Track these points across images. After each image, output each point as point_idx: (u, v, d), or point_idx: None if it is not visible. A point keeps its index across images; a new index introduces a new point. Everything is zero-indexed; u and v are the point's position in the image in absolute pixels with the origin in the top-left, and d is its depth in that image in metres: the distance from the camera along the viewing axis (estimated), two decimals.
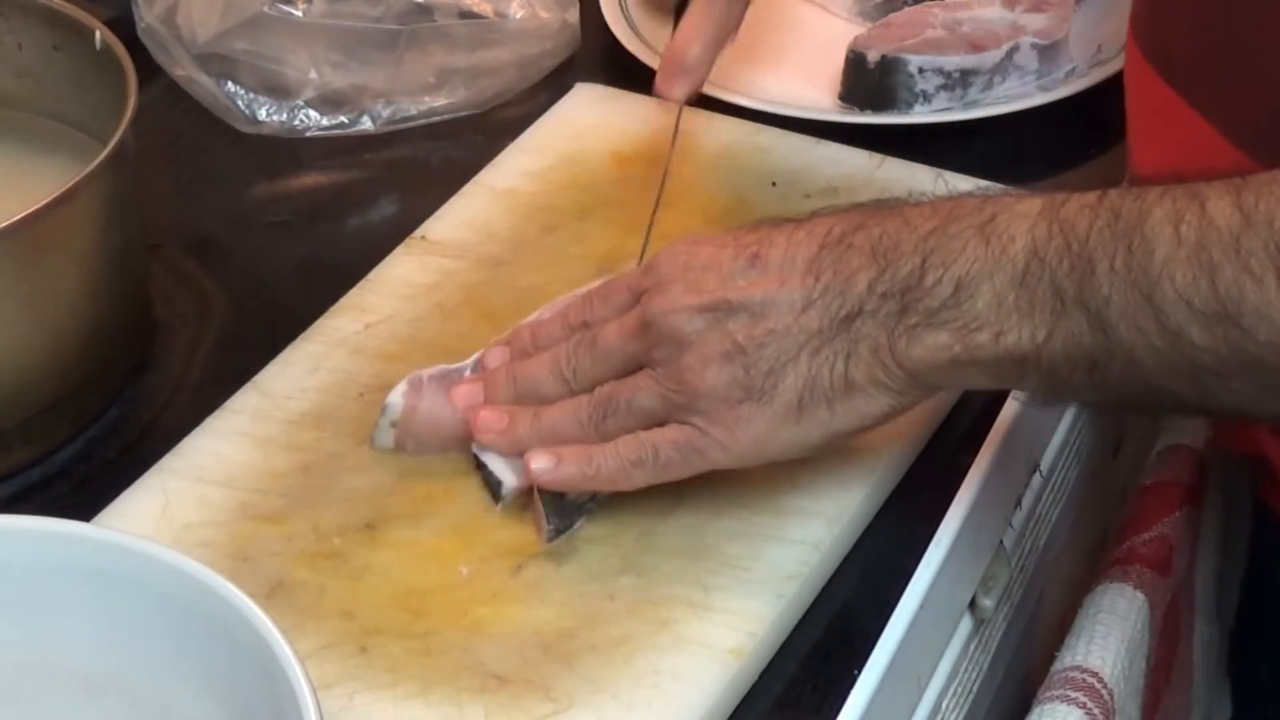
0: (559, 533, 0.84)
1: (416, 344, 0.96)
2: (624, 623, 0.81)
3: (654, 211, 0.99)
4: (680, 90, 1.02)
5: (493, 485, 0.86)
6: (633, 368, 0.84)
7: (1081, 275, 0.74)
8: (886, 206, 0.82)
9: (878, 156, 1.08)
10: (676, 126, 1.03)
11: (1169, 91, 0.91)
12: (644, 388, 0.83)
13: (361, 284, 0.99)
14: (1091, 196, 0.76)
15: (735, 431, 0.81)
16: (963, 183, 1.04)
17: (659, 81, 1.03)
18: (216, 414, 0.92)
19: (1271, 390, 0.72)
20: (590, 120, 1.12)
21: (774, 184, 1.06)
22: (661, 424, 0.83)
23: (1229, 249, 0.71)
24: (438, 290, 0.99)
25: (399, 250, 1.02)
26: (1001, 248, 0.76)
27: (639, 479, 0.83)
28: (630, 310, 0.85)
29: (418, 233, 1.03)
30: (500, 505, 0.86)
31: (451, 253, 1.02)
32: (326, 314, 0.97)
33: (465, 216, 1.04)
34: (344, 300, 0.98)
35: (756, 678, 0.81)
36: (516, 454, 0.85)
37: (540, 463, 0.84)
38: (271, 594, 0.81)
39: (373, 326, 0.97)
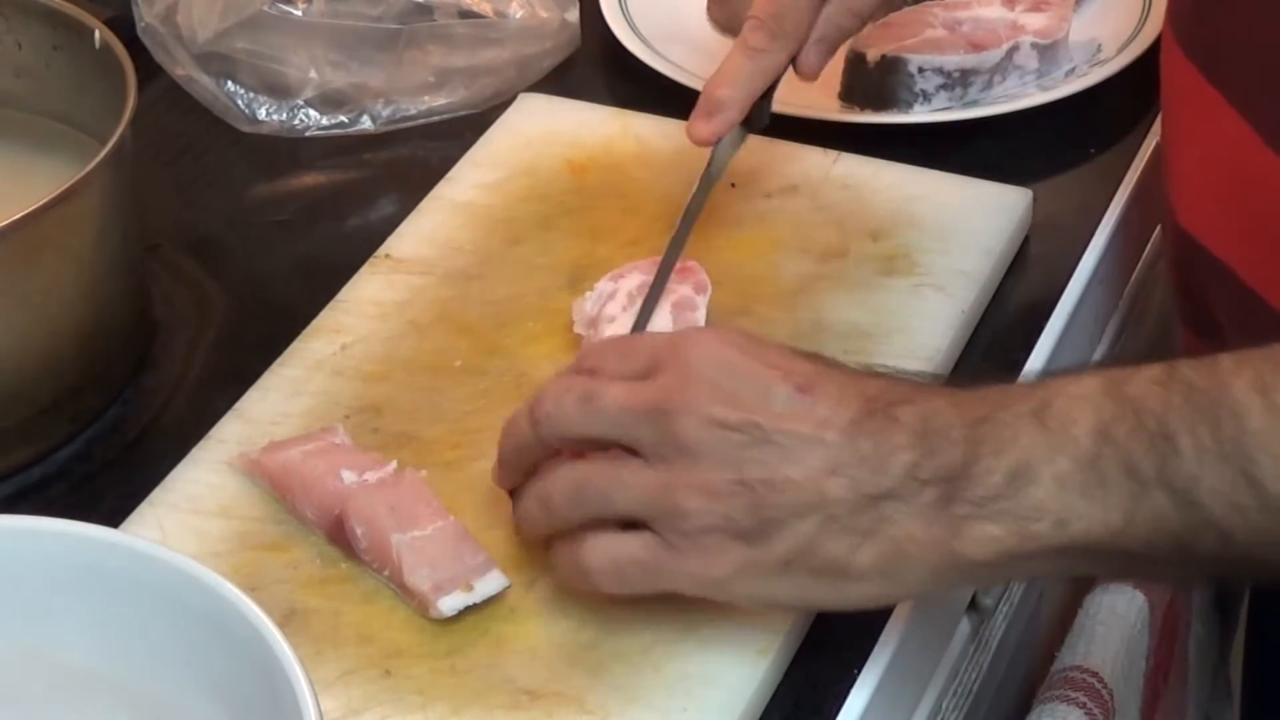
0: None
1: (395, 362, 0.95)
2: (647, 630, 0.81)
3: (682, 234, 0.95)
4: (705, 132, 0.96)
5: None
6: (618, 444, 0.77)
7: (1162, 453, 0.70)
8: (931, 384, 0.79)
9: (832, 153, 1.08)
10: (708, 164, 0.99)
11: (1212, 91, 0.89)
12: (629, 485, 0.76)
13: (331, 305, 0.99)
14: (1158, 370, 0.72)
15: (708, 562, 0.75)
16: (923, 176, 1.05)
17: (690, 122, 0.97)
18: (202, 444, 0.91)
19: None
20: (539, 130, 1.11)
21: (733, 185, 1.06)
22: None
23: None
24: (409, 307, 0.99)
25: (365, 269, 1.02)
26: (1063, 432, 0.71)
27: (593, 585, 0.78)
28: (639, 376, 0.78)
29: (381, 251, 1.03)
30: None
31: (418, 269, 1.01)
32: (300, 337, 0.97)
33: (426, 232, 1.04)
34: (316, 322, 0.98)
35: (782, 676, 0.81)
36: None
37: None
38: (285, 622, 0.80)
39: (349, 347, 0.96)
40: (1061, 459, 0.71)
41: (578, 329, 0.96)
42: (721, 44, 1.24)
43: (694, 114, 0.97)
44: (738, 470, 0.74)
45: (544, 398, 0.79)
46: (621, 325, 0.93)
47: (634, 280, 0.96)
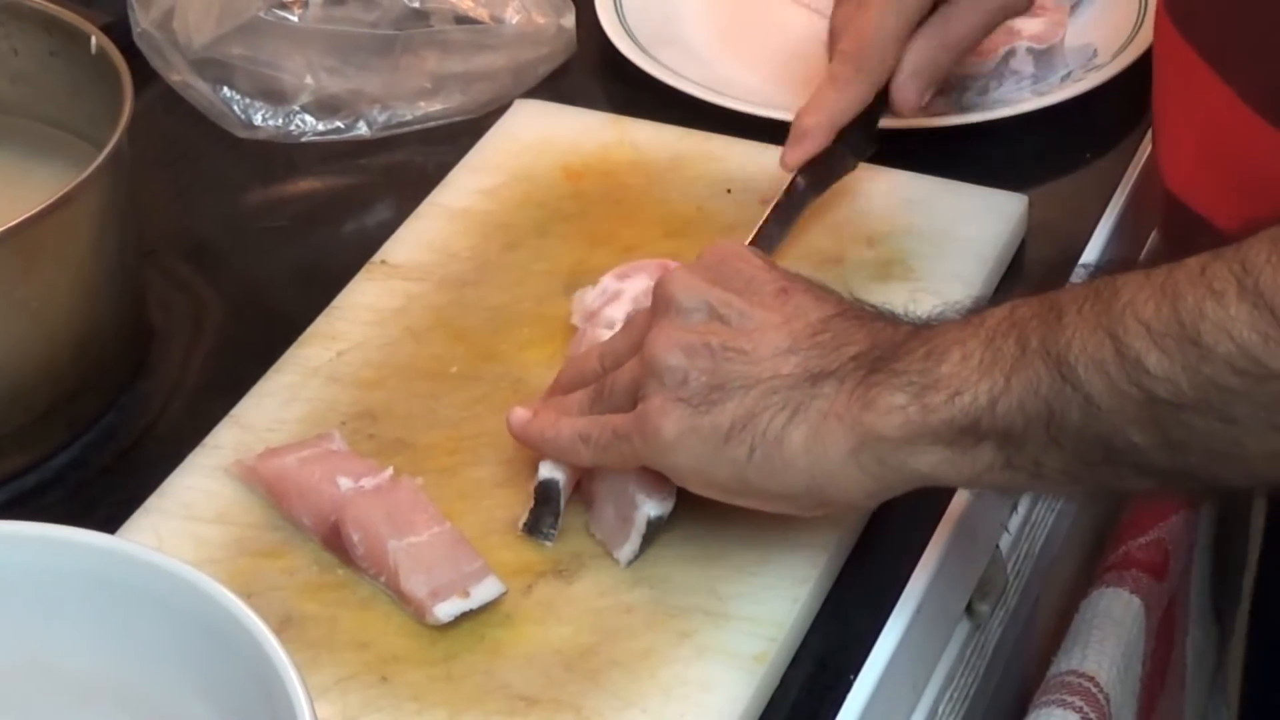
0: (638, 556, 0.85)
1: (391, 369, 0.95)
2: (643, 636, 0.81)
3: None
4: (791, 157, 1.01)
5: (544, 523, 0.86)
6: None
7: (1047, 325, 0.74)
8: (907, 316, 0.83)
9: None
10: (788, 185, 1.02)
11: (1193, 55, 0.90)
12: (629, 367, 0.83)
13: (327, 311, 0.99)
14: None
15: (659, 424, 0.80)
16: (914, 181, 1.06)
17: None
18: (198, 451, 0.91)
19: (1230, 424, 0.71)
20: (535, 136, 1.11)
21: (729, 191, 1.06)
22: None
23: (1194, 277, 0.71)
24: (405, 314, 0.99)
25: (361, 275, 1.01)
26: (980, 322, 0.77)
27: (584, 456, 0.84)
28: None
29: (377, 257, 1.03)
30: (552, 544, 0.86)
31: (414, 275, 1.01)
32: (295, 344, 0.97)
33: (424, 238, 1.04)
34: (311, 329, 0.98)
35: (779, 682, 0.81)
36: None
37: (518, 414, 0.86)
38: (282, 628, 0.81)
39: (344, 354, 0.96)
40: (972, 341, 0.76)
41: (575, 320, 0.96)
42: (719, 51, 1.24)
43: (788, 141, 1.03)
44: (705, 333, 0.81)
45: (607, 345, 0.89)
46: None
47: (639, 284, 0.95)
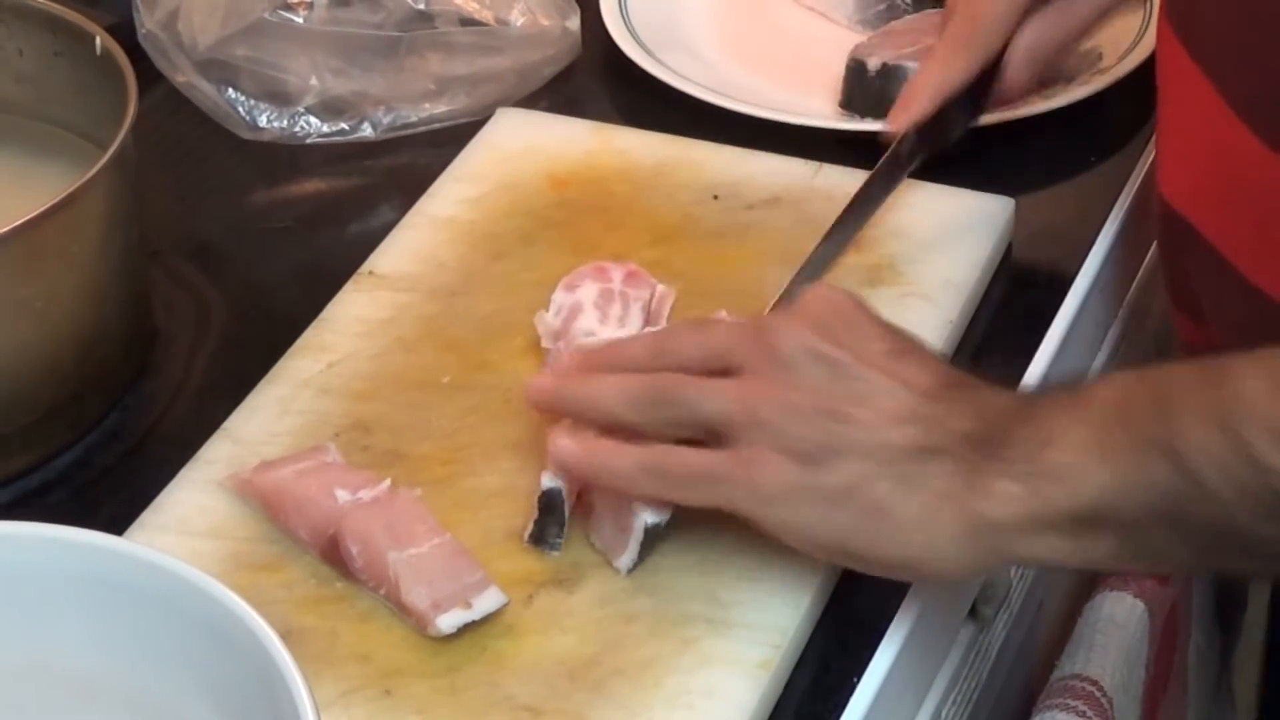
0: (637, 564, 0.84)
1: (383, 380, 0.95)
2: (646, 645, 0.81)
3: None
4: (898, 121, 1.03)
5: (549, 533, 0.85)
6: (713, 368, 0.82)
7: (1163, 417, 0.73)
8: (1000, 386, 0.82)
9: (814, 164, 1.07)
10: (893, 149, 1.03)
11: (1191, 65, 0.90)
12: (719, 390, 0.80)
13: (316, 323, 0.98)
14: (1180, 362, 0.77)
15: (764, 476, 0.78)
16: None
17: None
18: (190, 465, 0.90)
19: None
20: (519, 145, 1.11)
21: (715, 197, 1.06)
22: (702, 442, 0.80)
23: None
24: (395, 325, 0.98)
25: (349, 287, 1.01)
26: (1087, 406, 0.76)
27: (646, 488, 0.82)
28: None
29: (365, 268, 1.02)
30: (559, 553, 0.85)
31: (402, 286, 1.01)
32: (285, 355, 0.96)
33: (410, 249, 1.03)
34: (301, 341, 0.97)
35: (783, 688, 0.81)
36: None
37: (564, 447, 0.82)
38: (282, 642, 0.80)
39: (335, 365, 0.96)
40: (1082, 428, 0.75)
41: (545, 343, 0.95)
42: (724, 53, 1.24)
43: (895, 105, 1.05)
44: (816, 396, 0.79)
45: (667, 335, 0.86)
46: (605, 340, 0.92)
47: (592, 290, 0.95)
